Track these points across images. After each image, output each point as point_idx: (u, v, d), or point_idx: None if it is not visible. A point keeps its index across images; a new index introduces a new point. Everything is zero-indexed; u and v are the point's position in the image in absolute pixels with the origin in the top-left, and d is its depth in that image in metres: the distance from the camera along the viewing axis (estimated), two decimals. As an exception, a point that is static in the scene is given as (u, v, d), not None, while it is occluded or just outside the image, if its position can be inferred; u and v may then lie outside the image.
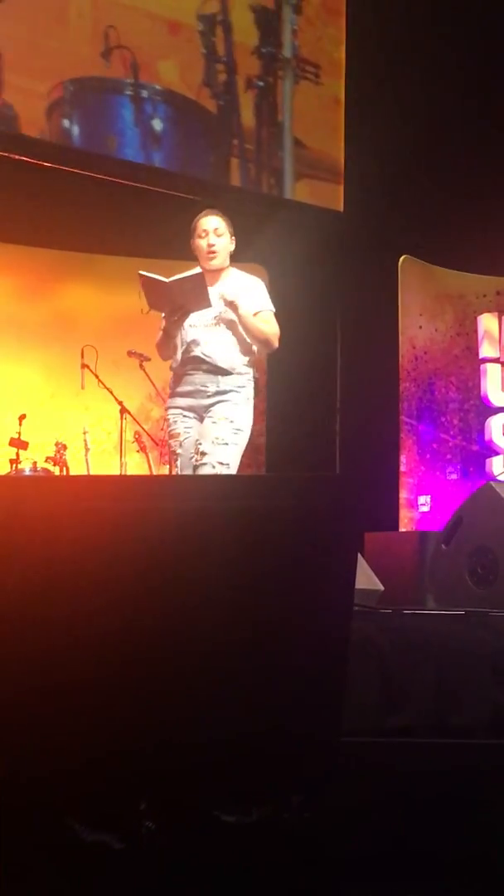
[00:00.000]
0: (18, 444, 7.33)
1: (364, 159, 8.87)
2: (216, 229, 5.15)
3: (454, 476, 9.34)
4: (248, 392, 5.15)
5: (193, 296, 4.95)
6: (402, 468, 9.20)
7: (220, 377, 5.08)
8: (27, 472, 7.14)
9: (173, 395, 5.22)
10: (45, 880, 2.29)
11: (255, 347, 5.17)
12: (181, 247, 5.40)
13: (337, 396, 9.07)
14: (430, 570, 5.83)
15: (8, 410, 7.69)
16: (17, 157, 7.68)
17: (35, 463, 7.30)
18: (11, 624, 2.30)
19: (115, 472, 7.65)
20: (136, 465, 7.85)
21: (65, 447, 7.56)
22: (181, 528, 2.34)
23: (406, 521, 9.11)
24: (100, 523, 2.33)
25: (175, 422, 5.17)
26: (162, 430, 5.49)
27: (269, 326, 5.17)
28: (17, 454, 7.31)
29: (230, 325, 5.08)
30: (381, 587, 5.24)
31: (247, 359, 5.15)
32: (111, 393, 7.66)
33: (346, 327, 9.12)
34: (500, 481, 7.36)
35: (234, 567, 2.33)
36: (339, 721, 2.48)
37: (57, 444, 7.53)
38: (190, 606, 2.31)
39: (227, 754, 2.32)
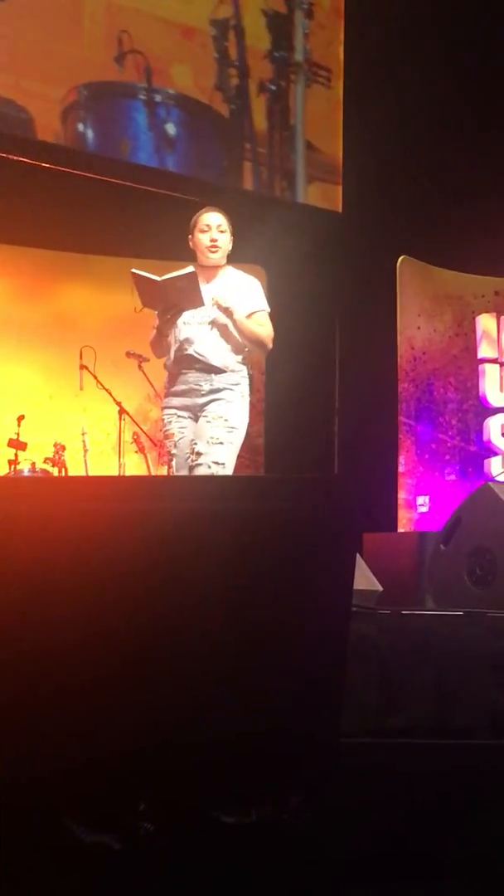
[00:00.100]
0: (17, 444, 7.33)
1: (362, 160, 8.87)
2: (219, 225, 5.14)
3: (453, 477, 9.33)
4: (243, 389, 5.14)
5: (186, 294, 4.94)
6: (401, 469, 9.19)
7: (213, 375, 5.07)
8: (26, 473, 7.14)
9: (168, 395, 5.21)
10: (44, 881, 2.29)
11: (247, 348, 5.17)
12: (180, 248, 5.40)
13: (335, 397, 9.07)
14: (429, 570, 5.83)
15: (6, 411, 7.69)
16: (31, 161, 7.70)
17: (33, 464, 7.29)
18: (9, 624, 2.29)
19: (114, 472, 7.64)
20: (135, 466, 7.84)
21: (63, 448, 7.55)
22: (180, 528, 2.34)
23: (405, 522, 9.11)
24: (98, 524, 2.33)
25: (170, 422, 5.16)
26: (160, 430, 5.48)
27: (263, 329, 5.15)
28: (16, 455, 7.30)
29: (224, 326, 5.07)
30: (380, 588, 5.24)
31: (240, 356, 5.14)
32: (110, 394, 7.65)
33: (345, 328, 9.11)
34: (498, 482, 7.36)
35: (232, 568, 2.33)
36: (338, 722, 2.48)
37: (55, 445, 7.52)
38: (188, 607, 2.31)
39: (226, 755, 2.32)
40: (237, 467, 5.20)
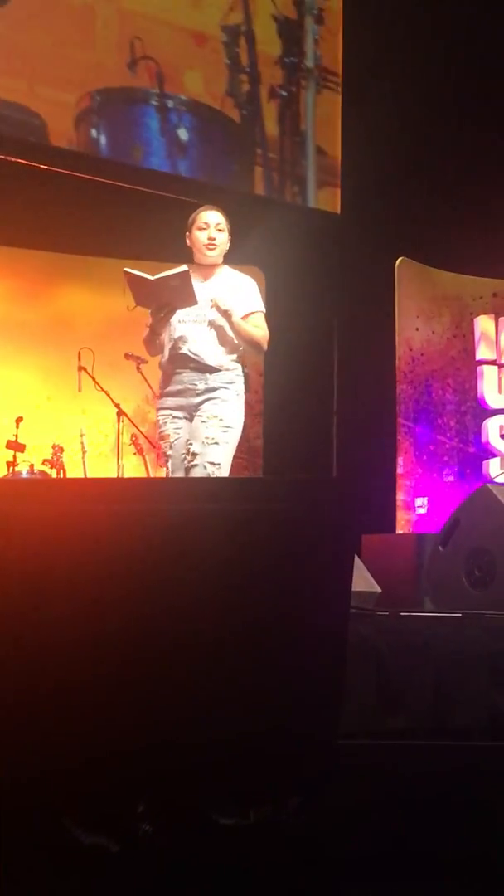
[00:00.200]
0: (15, 446, 7.33)
1: (361, 161, 8.88)
2: (217, 224, 5.13)
3: (451, 478, 9.34)
4: (238, 388, 5.12)
5: (179, 293, 4.93)
6: (399, 470, 9.20)
7: (208, 375, 5.05)
8: (24, 475, 7.14)
9: (163, 395, 5.19)
10: (44, 882, 2.29)
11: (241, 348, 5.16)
12: (178, 249, 5.39)
13: (334, 398, 9.07)
14: (428, 572, 5.83)
15: (5, 413, 7.69)
16: (30, 163, 7.73)
17: (32, 465, 7.30)
18: (7, 626, 2.29)
19: (112, 474, 7.64)
20: (133, 468, 7.84)
21: (62, 450, 7.56)
22: (179, 530, 2.34)
23: (403, 523, 9.11)
24: (97, 526, 2.33)
25: (165, 423, 5.14)
26: (157, 432, 5.47)
27: (259, 330, 5.14)
28: (14, 457, 7.30)
29: (221, 327, 5.06)
30: (379, 589, 5.24)
31: (235, 355, 5.12)
32: (108, 395, 7.65)
33: (343, 329, 9.12)
34: (496, 483, 7.36)
35: (231, 569, 2.33)
36: (336, 723, 2.48)
37: (54, 447, 7.52)
38: (187, 609, 2.31)
39: (225, 756, 2.32)
40: (235, 468, 5.19)
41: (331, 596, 2.38)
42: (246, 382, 5.21)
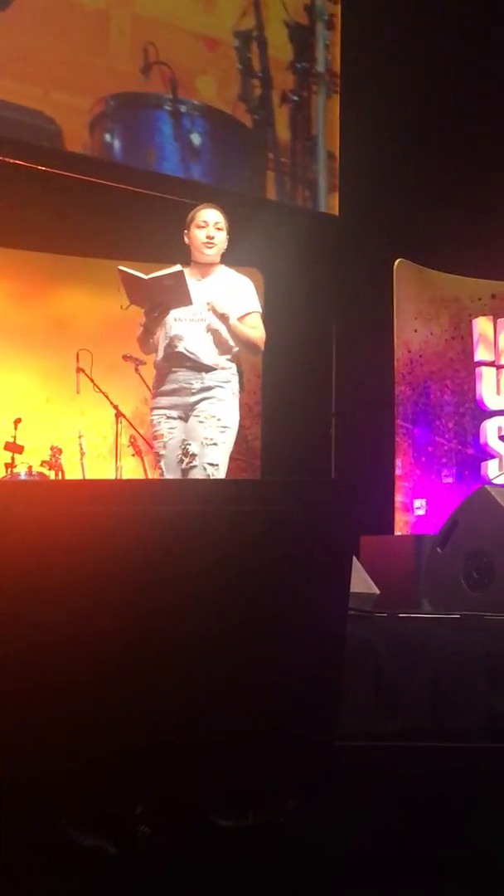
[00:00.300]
0: (14, 448, 7.33)
1: (359, 163, 8.89)
2: (216, 223, 5.12)
3: (449, 479, 9.34)
4: (234, 387, 5.10)
5: (173, 293, 4.91)
6: (398, 472, 9.20)
7: (204, 374, 5.02)
8: (22, 477, 7.14)
9: (157, 394, 5.14)
10: (42, 884, 2.29)
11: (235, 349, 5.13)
12: (177, 250, 5.38)
13: (332, 400, 9.07)
14: (426, 573, 5.82)
15: (3, 414, 7.69)
16: (29, 165, 7.75)
17: (30, 467, 7.30)
18: (5, 627, 2.29)
19: (111, 476, 7.64)
20: (132, 469, 7.84)
21: (60, 451, 7.56)
22: (177, 532, 2.34)
23: (401, 525, 9.11)
24: (95, 527, 2.33)
25: (159, 423, 5.10)
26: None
27: (255, 331, 5.11)
28: (13, 458, 7.30)
29: (217, 329, 5.05)
30: (377, 591, 5.24)
31: (230, 354, 5.10)
32: (106, 397, 7.65)
33: (341, 331, 9.12)
34: (495, 485, 7.36)
35: (230, 571, 2.33)
36: (334, 725, 2.48)
37: (52, 448, 7.53)
38: (185, 610, 2.31)
39: (223, 758, 2.32)
40: (234, 470, 5.18)
41: (329, 597, 2.38)
42: (241, 381, 5.18)
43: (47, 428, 7.95)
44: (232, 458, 5.17)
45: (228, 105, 8.74)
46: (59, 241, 8.17)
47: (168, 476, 5.07)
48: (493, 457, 9.30)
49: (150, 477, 7.73)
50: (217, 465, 4.96)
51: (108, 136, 8.30)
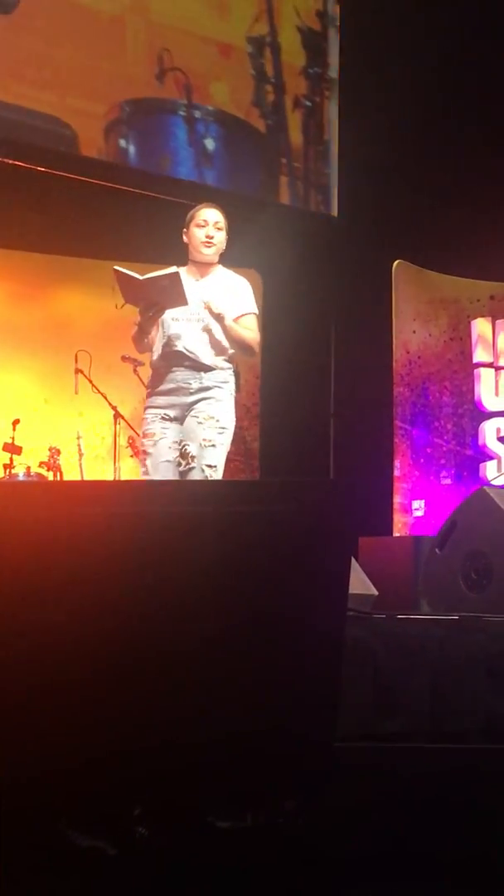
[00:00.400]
0: (12, 448, 7.33)
1: (358, 164, 8.90)
2: (216, 222, 5.10)
3: (448, 481, 9.35)
4: (231, 387, 5.08)
5: (168, 294, 4.90)
6: (396, 473, 9.20)
7: (202, 373, 5.00)
8: (21, 477, 7.14)
9: (153, 393, 5.10)
10: (41, 885, 2.29)
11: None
12: (176, 251, 5.38)
13: (331, 401, 9.08)
14: (424, 574, 5.82)
15: (1, 415, 7.69)
16: (28, 166, 7.78)
17: (29, 468, 7.30)
18: (3, 628, 2.29)
19: (109, 477, 7.65)
20: (130, 470, 7.84)
21: (58, 452, 7.57)
22: (176, 532, 2.34)
23: (400, 526, 9.12)
24: (94, 528, 2.33)
25: (153, 421, 5.05)
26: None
27: (249, 332, 5.08)
28: (11, 459, 7.31)
29: (213, 326, 5.03)
30: (376, 592, 5.23)
31: (227, 354, 5.09)
32: (105, 398, 7.66)
33: (340, 332, 9.13)
34: (493, 486, 7.37)
35: (228, 572, 2.33)
36: (333, 726, 2.47)
37: (51, 449, 7.53)
38: (183, 612, 2.31)
39: (222, 759, 2.32)
40: (232, 471, 5.18)
41: (327, 598, 2.38)
42: (237, 382, 5.16)
43: (46, 429, 7.96)
44: (230, 459, 5.16)
45: (242, 110, 8.84)
46: (58, 242, 8.17)
47: (152, 475, 5.02)
48: (491, 458, 9.31)
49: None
50: (215, 466, 4.94)
51: (123, 142, 8.41)
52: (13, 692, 2.29)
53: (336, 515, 2.39)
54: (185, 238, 5.15)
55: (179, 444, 4.99)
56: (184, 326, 5.02)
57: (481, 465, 9.32)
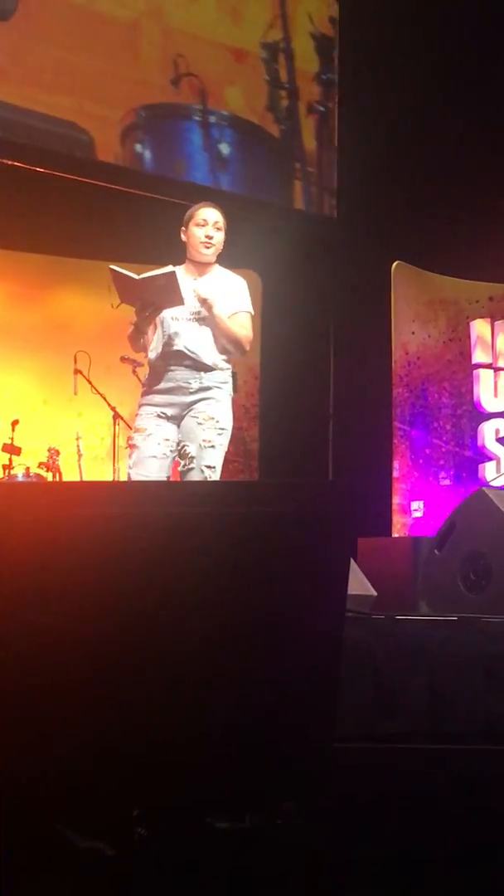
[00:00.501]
0: (11, 449, 7.33)
1: (357, 165, 8.90)
2: (216, 222, 5.08)
3: (447, 481, 9.35)
4: (229, 388, 5.06)
5: (165, 293, 4.89)
6: (395, 474, 9.20)
7: (202, 373, 4.98)
8: (20, 478, 7.14)
9: (150, 392, 5.06)
10: (40, 886, 2.29)
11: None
12: (178, 252, 5.37)
13: (330, 402, 9.08)
14: (423, 575, 5.82)
15: (1, 416, 7.69)
16: (27, 167, 7.80)
17: (28, 468, 7.30)
18: (4, 628, 2.29)
19: (108, 477, 7.64)
20: (129, 471, 7.84)
21: (58, 453, 7.56)
22: (174, 533, 2.34)
23: (399, 527, 9.12)
24: (93, 529, 2.33)
25: (147, 416, 5.01)
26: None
27: (241, 329, 5.04)
28: (10, 460, 7.31)
29: (208, 321, 5.02)
30: (374, 593, 5.23)
31: (226, 354, 5.08)
32: (104, 399, 7.65)
33: (339, 333, 9.13)
34: (492, 487, 7.37)
35: (227, 573, 2.33)
36: (332, 727, 2.48)
37: (50, 450, 7.52)
38: (182, 613, 2.31)
39: (220, 760, 2.32)
40: (231, 472, 5.17)
41: (326, 599, 2.38)
42: (234, 383, 5.15)
43: (45, 430, 7.95)
44: (229, 460, 5.16)
45: (256, 115, 8.92)
46: (57, 243, 8.17)
47: (137, 468, 5.00)
48: (490, 459, 9.31)
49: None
50: (214, 467, 4.94)
51: (138, 147, 8.49)
52: (12, 692, 2.29)
53: (335, 516, 2.40)
54: (182, 236, 5.13)
55: (178, 445, 4.98)
56: (183, 326, 5.00)
57: (480, 465, 9.32)
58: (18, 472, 7.23)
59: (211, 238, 5.06)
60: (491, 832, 2.93)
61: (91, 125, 8.15)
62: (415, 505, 9.24)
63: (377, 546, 7.46)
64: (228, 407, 5.06)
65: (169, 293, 4.88)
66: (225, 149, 8.77)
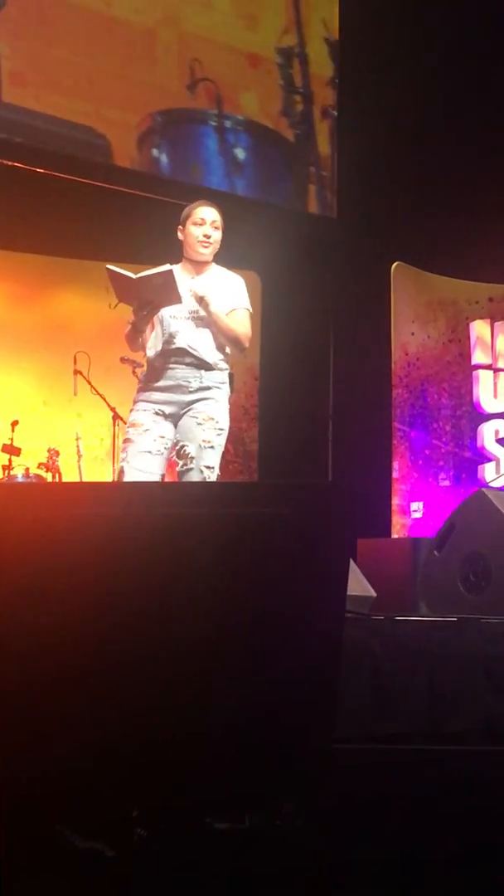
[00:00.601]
0: (11, 450, 7.33)
1: (357, 166, 8.90)
2: (213, 222, 5.06)
3: (446, 482, 9.35)
4: (227, 388, 5.06)
5: (162, 292, 4.87)
6: (395, 474, 9.20)
7: (203, 372, 4.96)
8: (20, 479, 7.14)
9: (148, 388, 5.02)
10: (40, 886, 2.29)
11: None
12: (175, 253, 5.37)
13: (329, 403, 9.08)
14: (423, 576, 5.82)
15: (0, 417, 7.69)
16: (27, 167, 7.82)
17: (27, 469, 7.30)
18: (3, 629, 2.29)
19: (108, 478, 7.64)
20: (129, 472, 7.83)
21: (57, 453, 7.56)
22: (174, 534, 2.34)
23: (398, 528, 9.11)
24: (93, 530, 2.33)
25: (143, 412, 4.98)
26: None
27: (239, 326, 5.02)
28: (10, 460, 7.30)
29: (206, 320, 5.01)
30: (374, 594, 5.23)
31: (226, 354, 5.08)
32: (104, 399, 7.65)
33: (339, 333, 9.12)
34: (492, 488, 7.37)
35: (227, 573, 2.33)
36: (332, 727, 2.48)
37: (49, 451, 7.52)
38: (182, 614, 2.31)
39: (220, 761, 2.32)
40: (231, 472, 5.17)
41: (326, 600, 2.39)
42: (231, 384, 5.14)
43: (44, 430, 7.95)
44: (229, 461, 5.16)
45: (271, 120, 8.98)
46: (57, 244, 8.17)
47: (130, 462, 4.98)
48: (490, 460, 9.31)
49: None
50: (213, 467, 4.94)
51: (155, 151, 8.56)
52: (12, 692, 2.29)
53: (334, 517, 2.40)
54: (179, 235, 5.10)
55: (175, 444, 4.98)
56: (182, 324, 4.99)
57: (480, 466, 9.32)
58: (18, 473, 7.23)
59: (209, 237, 5.04)
60: (491, 832, 2.93)
61: (108, 130, 8.22)
62: (414, 506, 9.24)
63: (377, 547, 7.47)
64: (227, 407, 5.05)
65: (166, 292, 4.87)
66: (240, 153, 8.84)
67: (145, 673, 2.30)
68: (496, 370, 9.42)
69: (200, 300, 4.94)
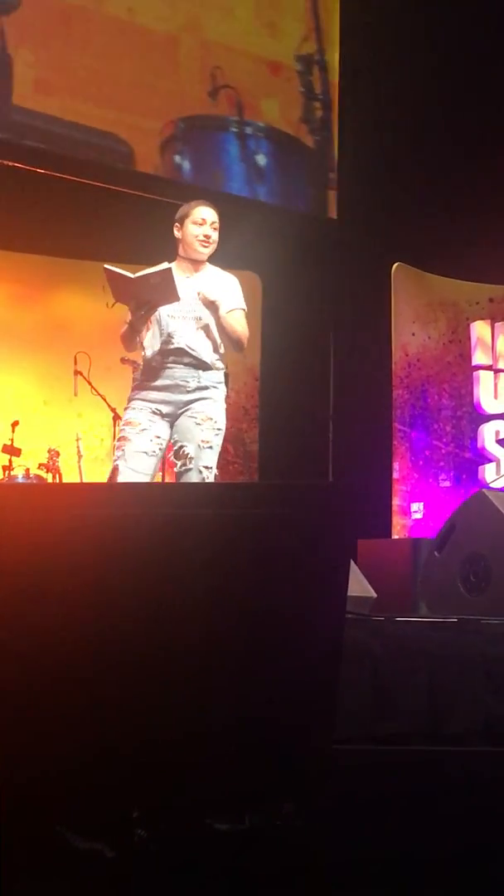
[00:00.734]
0: (11, 450, 7.33)
1: (357, 166, 8.90)
2: (213, 223, 5.05)
3: (447, 483, 9.34)
4: (224, 388, 5.06)
5: (160, 291, 4.86)
6: (395, 475, 9.20)
7: (201, 372, 4.96)
8: (20, 479, 7.14)
9: (145, 387, 5.01)
10: (40, 887, 2.29)
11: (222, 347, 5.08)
12: (170, 251, 5.36)
13: (330, 403, 9.07)
14: (423, 577, 5.83)
15: (1, 417, 7.69)
16: (27, 167, 7.85)
17: (28, 470, 7.30)
18: (3, 630, 2.30)
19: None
20: (129, 472, 7.83)
21: (58, 454, 7.57)
22: (174, 535, 2.34)
23: (399, 528, 9.11)
24: (93, 530, 2.33)
25: (140, 410, 4.98)
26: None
27: (239, 326, 5.02)
28: (10, 461, 7.31)
29: (207, 324, 5.01)
30: (374, 594, 5.23)
31: (221, 354, 5.08)
32: (104, 400, 7.66)
33: (339, 334, 9.12)
34: (492, 488, 7.37)
35: (227, 574, 2.33)
36: (332, 728, 2.48)
37: (50, 451, 7.53)
38: (182, 613, 2.31)
39: (220, 761, 2.32)
40: (231, 473, 5.17)
41: (326, 601, 2.39)
42: (227, 383, 5.14)
43: (45, 431, 7.95)
44: (229, 462, 5.17)
45: (291, 127, 9.06)
46: (57, 244, 8.17)
47: (127, 461, 4.96)
48: (490, 461, 9.30)
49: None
50: (211, 468, 4.94)
51: (177, 158, 8.64)
52: (12, 693, 2.29)
53: (335, 518, 2.40)
54: (176, 233, 5.09)
55: (172, 444, 4.98)
56: (181, 324, 4.99)
57: (480, 467, 9.31)
58: (18, 474, 7.23)
59: (209, 237, 5.04)
60: (491, 833, 2.93)
61: (131, 136, 8.32)
62: (415, 506, 9.23)
63: (377, 547, 7.46)
64: (224, 407, 5.05)
65: (164, 291, 4.86)
66: (261, 160, 8.93)
67: (145, 673, 2.30)
68: (496, 371, 9.42)
69: (211, 304, 4.94)
